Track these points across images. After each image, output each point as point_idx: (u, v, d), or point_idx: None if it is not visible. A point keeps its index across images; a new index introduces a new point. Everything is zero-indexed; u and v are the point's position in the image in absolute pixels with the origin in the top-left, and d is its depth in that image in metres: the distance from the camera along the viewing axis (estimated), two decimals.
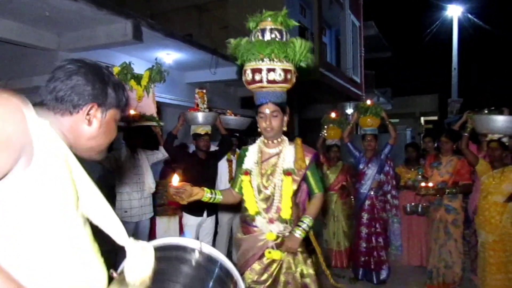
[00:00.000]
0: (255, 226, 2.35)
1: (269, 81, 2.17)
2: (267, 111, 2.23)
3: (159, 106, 4.65)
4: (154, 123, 4.02)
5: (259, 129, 2.33)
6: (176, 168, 4.42)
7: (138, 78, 3.81)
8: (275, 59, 2.14)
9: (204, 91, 4.22)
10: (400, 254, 5.25)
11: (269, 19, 2.22)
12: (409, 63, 22.51)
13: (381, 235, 4.48)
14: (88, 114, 1.09)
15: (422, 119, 24.40)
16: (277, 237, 2.31)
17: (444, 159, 4.26)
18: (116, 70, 3.72)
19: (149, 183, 4.12)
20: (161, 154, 4.27)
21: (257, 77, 2.17)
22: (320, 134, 5.33)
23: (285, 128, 2.34)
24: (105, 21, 5.20)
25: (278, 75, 2.16)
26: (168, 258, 1.20)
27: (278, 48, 2.11)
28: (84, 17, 4.99)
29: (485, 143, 3.90)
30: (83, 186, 1.05)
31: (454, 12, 14.99)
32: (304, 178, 2.36)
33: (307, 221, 2.30)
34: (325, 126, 5.27)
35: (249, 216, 2.36)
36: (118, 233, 1.09)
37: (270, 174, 2.32)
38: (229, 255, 5.04)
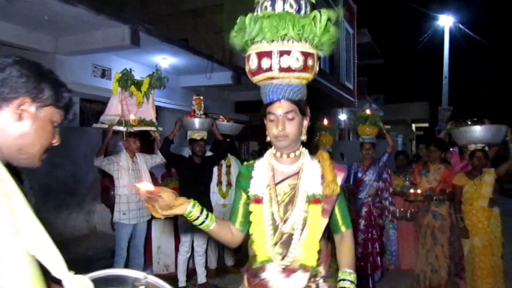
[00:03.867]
0: (264, 279, 1.62)
1: (282, 69, 1.54)
2: (280, 111, 1.59)
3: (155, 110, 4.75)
4: (153, 128, 4.12)
5: (268, 138, 1.68)
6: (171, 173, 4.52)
7: (138, 84, 3.91)
8: (290, 38, 1.53)
9: (201, 97, 4.34)
10: (394, 259, 5.38)
11: None
12: (401, 70, 22.90)
13: (377, 241, 4.58)
14: (18, 108, 1.00)
15: (413, 126, 24.74)
16: None
17: (432, 167, 4.42)
18: (116, 76, 3.82)
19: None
20: (159, 158, 4.36)
21: (265, 64, 1.55)
22: (313, 141, 5.47)
23: (304, 137, 1.70)
24: (103, 26, 5.27)
25: (295, 60, 1.53)
26: None
27: (294, 26, 1.50)
28: (83, 21, 5.06)
29: (468, 152, 4.07)
30: (19, 214, 0.93)
31: (445, 22, 15.27)
32: (334, 206, 1.71)
33: (350, 278, 1.66)
34: (318, 133, 5.41)
35: (256, 264, 1.64)
36: (56, 265, 0.97)
37: (289, 202, 1.65)
38: (221, 259, 5.14)
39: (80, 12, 4.75)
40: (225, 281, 4.79)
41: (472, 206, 3.83)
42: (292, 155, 1.68)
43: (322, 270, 1.66)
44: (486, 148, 3.89)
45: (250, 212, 1.67)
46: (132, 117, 3.70)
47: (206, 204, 4.39)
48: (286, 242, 1.61)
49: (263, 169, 1.70)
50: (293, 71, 1.54)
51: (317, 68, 1.63)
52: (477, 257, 3.78)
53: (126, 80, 3.78)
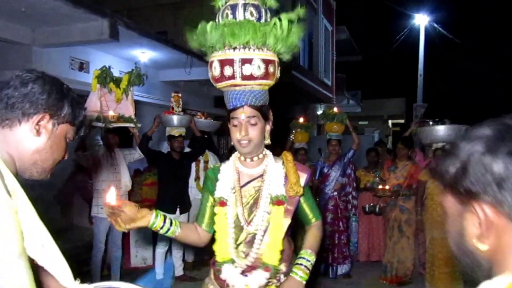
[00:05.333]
0: (223, 280, 1.69)
1: (244, 77, 1.59)
2: (243, 117, 1.64)
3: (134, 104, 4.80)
4: (132, 125, 4.18)
5: (232, 142, 1.73)
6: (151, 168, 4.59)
7: (117, 81, 3.95)
8: (251, 47, 1.58)
9: (180, 95, 4.42)
10: (356, 250, 5.62)
11: None
12: (378, 67, 23.28)
13: (344, 233, 4.83)
14: (38, 124, 1.02)
15: (390, 122, 25.26)
16: None
17: (400, 163, 4.67)
18: (95, 73, 3.85)
19: (126, 181, 4.28)
20: (138, 153, 4.43)
21: (228, 72, 1.60)
22: (289, 138, 5.62)
23: (267, 141, 1.74)
24: (81, 19, 5.24)
25: (256, 68, 1.59)
26: None
27: (255, 33, 1.55)
28: (60, 14, 5.02)
29: (431, 151, 4.33)
30: (28, 225, 0.94)
31: (421, 21, 15.66)
32: (298, 203, 1.77)
33: (308, 257, 1.72)
34: (293, 131, 5.57)
35: (216, 264, 1.73)
36: (62, 274, 0.98)
37: (254, 204, 1.71)
38: (198, 252, 5.25)
39: (58, 5, 4.72)
40: (202, 273, 4.90)
41: (433, 200, 4.07)
42: (255, 158, 1.73)
43: (283, 267, 1.73)
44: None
45: (214, 213, 1.73)
46: (111, 113, 3.75)
47: (185, 199, 4.52)
48: (250, 242, 1.68)
49: (229, 172, 1.76)
50: (255, 78, 1.60)
51: (279, 74, 1.69)
52: (436, 249, 4.03)
53: (105, 77, 3.82)
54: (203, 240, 1.83)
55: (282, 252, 1.68)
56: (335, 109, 4.97)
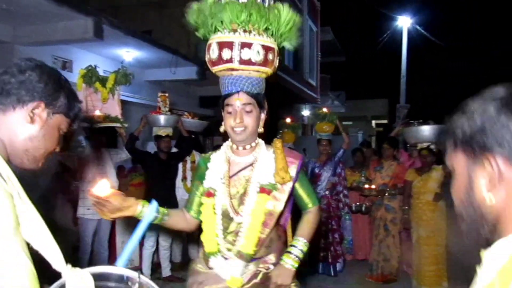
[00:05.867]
0: (211, 268, 1.71)
1: (242, 61, 1.55)
2: (238, 103, 1.59)
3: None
4: (118, 125, 4.13)
5: (222, 129, 1.71)
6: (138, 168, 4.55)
7: (103, 80, 3.90)
8: (252, 31, 1.54)
9: (167, 94, 4.39)
10: (351, 247, 5.69)
11: None
12: (362, 68, 23.56)
13: (337, 231, 4.88)
14: (32, 111, 1.02)
15: (373, 122, 25.59)
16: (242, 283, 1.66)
17: (385, 163, 4.75)
18: (81, 72, 3.79)
19: (112, 181, 4.21)
20: (125, 154, 4.38)
21: (226, 55, 1.55)
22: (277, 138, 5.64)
23: (261, 129, 1.71)
24: (65, 17, 5.16)
25: (255, 53, 1.55)
26: None
27: (258, 13, 1.51)
28: (43, 11, 4.92)
29: (416, 151, 4.42)
30: (23, 210, 0.96)
31: (404, 23, 15.91)
32: (292, 192, 1.75)
33: (300, 245, 1.70)
34: (280, 131, 5.60)
35: (205, 253, 1.72)
36: (55, 258, 0.99)
37: (244, 193, 1.67)
38: (185, 252, 5.23)
39: (40, 2, 4.63)
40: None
41: (419, 199, 4.14)
42: (248, 147, 1.70)
43: (273, 257, 1.73)
44: (432, 146, 4.22)
45: (202, 203, 1.72)
46: (97, 113, 3.70)
47: (172, 199, 4.49)
48: (238, 232, 1.65)
49: (219, 161, 1.73)
50: (253, 64, 1.56)
51: (277, 63, 1.66)
52: (422, 247, 4.10)
53: (91, 77, 3.76)
54: (191, 227, 1.83)
55: (259, 240, 1.64)
56: (325, 110, 5.02)
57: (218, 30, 1.58)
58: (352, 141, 8.88)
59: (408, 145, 4.88)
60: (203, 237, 1.71)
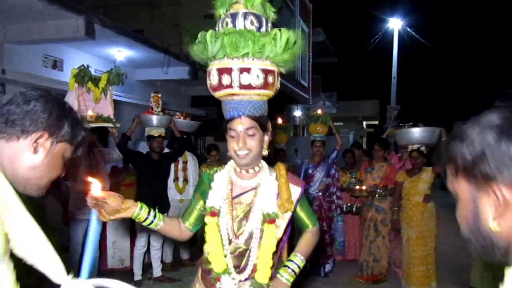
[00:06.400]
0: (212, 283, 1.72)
1: (242, 86, 1.57)
2: (240, 127, 1.61)
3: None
4: (110, 124, 4.11)
5: (228, 153, 1.70)
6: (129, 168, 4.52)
7: (95, 80, 3.88)
8: (250, 56, 1.56)
9: (159, 95, 4.39)
10: (342, 249, 5.73)
11: (241, 1, 1.61)
12: (353, 69, 23.74)
13: (327, 233, 4.91)
14: (36, 141, 1.03)
15: (364, 123, 25.76)
16: None
17: (376, 165, 4.80)
18: (73, 72, 3.77)
19: (104, 181, 4.20)
20: (117, 154, 4.36)
21: (226, 80, 1.58)
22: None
23: (265, 152, 1.71)
24: (56, 16, 5.12)
25: (255, 77, 1.56)
26: None
27: (254, 43, 1.53)
28: (33, 10, 4.88)
29: (407, 153, 4.47)
30: (18, 224, 0.95)
31: (394, 25, 16.06)
32: (292, 216, 1.78)
33: (297, 261, 1.74)
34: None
35: (212, 273, 1.70)
36: (55, 270, 0.99)
37: (244, 218, 1.69)
38: (176, 253, 5.23)
39: (31, 1, 4.59)
40: (180, 274, 4.88)
41: (409, 201, 4.19)
42: (251, 170, 1.70)
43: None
44: (422, 148, 4.28)
45: (204, 222, 1.71)
46: (89, 113, 3.69)
47: (164, 200, 4.49)
48: (240, 256, 1.67)
49: (223, 182, 1.73)
50: (254, 88, 1.58)
51: (278, 85, 1.66)
52: (411, 247, 4.15)
53: (83, 76, 3.74)
54: (184, 237, 1.83)
55: (272, 269, 1.67)
56: (319, 111, 5.06)
57: (216, 57, 1.60)
58: (344, 142, 8.98)
59: (398, 146, 4.94)
60: (210, 258, 1.69)
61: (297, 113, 16.12)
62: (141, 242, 4.47)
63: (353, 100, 22.83)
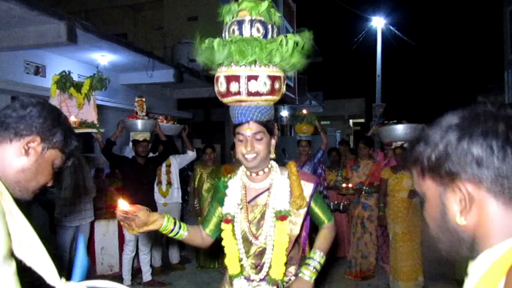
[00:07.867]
0: None
1: (250, 93, 1.62)
2: (248, 132, 1.67)
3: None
4: (94, 130, 4.09)
5: (237, 156, 1.77)
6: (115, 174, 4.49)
7: (78, 86, 3.85)
8: (257, 63, 1.60)
9: (144, 99, 4.38)
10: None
11: (246, 8, 1.64)
12: (339, 68, 23.96)
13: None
14: (27, 144, 1.05)
15: (351, 121, 25.98)
16: None
17: (362, 162, 4.86)
18: (54, 78, 3.73)
19: (90, 187, 4.19)
20: (102, 159, 4.34)
21: (234, 88, 1.62)
22: None
23: (273, 155, 1.78)
24: (37, 22, 5.06)
25: (262, 85, 1.61)
26: None
27: (261, 51, 1.55)
28: (14, 16, 4.82)
29: (391, 150, 4.55)
30: (17, 226, 0.98)
31: (378, 24, 16.22)
32: (308, 213, 1.83)
33: (317, 258, 1.79)
34: None
35: (229, 276, 1.81)
36: (49, 274, 1.01)
37: (261, 218, 1.75)
38: (165, 257, 5.21)
39: (10, 7, 4.53)
40: (170, 277, 4.87)
41: (394, 197, 4.26)
42: (261, 172, 1.77)
43: (292, 270, 1.83)
44: (406, 145, 4.35)
45: (222, 229, 1.79)
46: (73, 119, 3.66)
47: (151, 204, 4.46)
48: (260, 255, 1.74)
49: (236, 187, 1.80)
50: (261, 94, 1.63)
51: (284, 89, 1.71)
52: (398, 243, 4.22)
53: (65, 82, 3.71)
54: (206, 243, 1.90)
55: (287, 264, 1.73)
56: (304, 111, 5.10)
57: (224, 64, 1.63)
58: (331, 141, 9.07)
59: (383, 144, 5.01)
60: (227, 261, 1.78)
61: (284, 113, 16.19)
62: (129, 247, 4.45)
63: (339, 99, 23.02)
